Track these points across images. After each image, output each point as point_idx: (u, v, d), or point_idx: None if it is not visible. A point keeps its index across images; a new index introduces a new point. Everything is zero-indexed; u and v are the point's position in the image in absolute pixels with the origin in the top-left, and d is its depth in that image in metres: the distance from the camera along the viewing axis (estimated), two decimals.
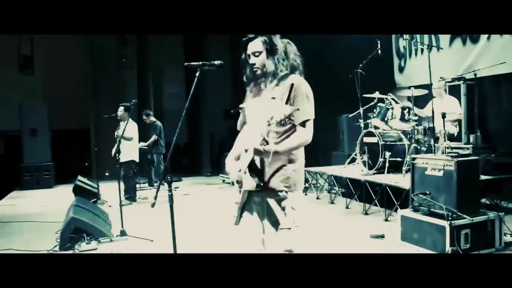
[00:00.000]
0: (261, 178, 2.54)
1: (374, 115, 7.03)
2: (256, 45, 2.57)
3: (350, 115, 7.89)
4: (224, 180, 10.50)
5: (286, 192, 2.55)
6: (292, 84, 2.45)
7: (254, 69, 2.59)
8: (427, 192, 4.53)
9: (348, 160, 7.72)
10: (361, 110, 7.58)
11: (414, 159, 4.87)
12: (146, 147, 9.47)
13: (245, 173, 2.57)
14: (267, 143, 2.36)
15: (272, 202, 2.56)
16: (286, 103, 2.39)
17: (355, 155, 7.46)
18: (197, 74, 2.73)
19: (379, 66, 8.03)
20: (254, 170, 2.55)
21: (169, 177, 2.65)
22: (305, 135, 2.49)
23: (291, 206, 2.56)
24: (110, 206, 7.47)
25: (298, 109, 2.33)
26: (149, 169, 10.16)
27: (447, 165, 4.36)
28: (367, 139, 6.92)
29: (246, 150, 2.55)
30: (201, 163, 12.24)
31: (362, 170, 6.92)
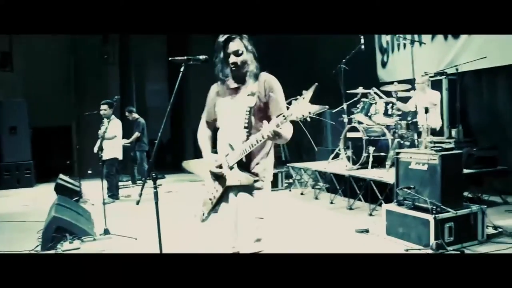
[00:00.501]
0: (248, 171, 2.57)
1: (358, 110, 7.03)
2: (238, 44, 2.59)
3: (334, 111, 7.89)
4: (196, 174, 10.38)
5: (263, 181, 2.61)
6: (265, 81, 2.55)
7: (235, 68, 2.60)
8: (412, 186, 4.55)
9: (332, 155, 7.73)
10: (344, 105, 7.58)
11: (398, 153, 4.88)
12: (129, 144, 9.36)
13: (231, 168, 2.56)
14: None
15: (250, 192, 2.59)
16: (265, 97, 2.48)
17: (339, 150, 7.47)
18: (181, 69, 2.70)
19: (362, 62, 8.03)
20: (241, 164, 2.57)
21: (154, 174, 2.63)
22: (291, 130, 2.47)
23: (266, 195, 2.62)
24: (92, 205, 7.35)
25: (326, 107, 2.33)
26: (132, 167, 10.06)
27: (431, 159, 4.38)
28: (351, 134, 6.93)
29: (231, 147, 2.56)
30: (185, 160, 12.14)
31: (346, 165, 6.93)
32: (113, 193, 7.86)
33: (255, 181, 2.56)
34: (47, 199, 6.68)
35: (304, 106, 2.15)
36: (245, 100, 2.56)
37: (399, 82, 6.76)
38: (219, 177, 2.66)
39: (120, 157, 7.94)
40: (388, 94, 6.96)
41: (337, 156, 7.70)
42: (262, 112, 2.56)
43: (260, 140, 2.41)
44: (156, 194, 2.67)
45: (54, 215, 4.89)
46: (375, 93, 7.02)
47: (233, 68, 2.60)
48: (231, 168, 2.58)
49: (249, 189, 2.58)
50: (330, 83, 8.01)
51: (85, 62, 12.05)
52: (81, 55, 12.03)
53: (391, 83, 6.88)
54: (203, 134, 2.89)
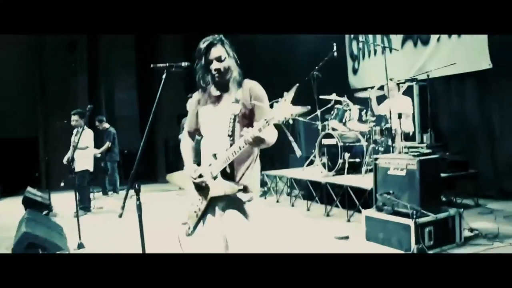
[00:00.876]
0: (233, 181, 2.48)
1: (332, 117, 7.06)
2: (220, 50, 2.51)
3: (308, 118, 7.91)
4: (181, 187, 10.22)
5: (251, 192, 2.52)
6: (250, 88, 2.47)
7: (218, 75, 2.52)
8: (391, 191, 4.57)
9: (307, 162, 7.73)
10: (318, 112, 7.60)
11: (376, 159, 4.90)
12: (100, 155, 9.13)
13: (215, 178, 2.49)
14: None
15: (238, 205, 2.50)
16: (250, 103, 2.40)
17: (314, 157, 7.48)
18: (163, 77, 2.62)
19: (335, 68, 8.11)
20: (225, 174, 2.48)
21: (137, 185, 2.52)
22: (276, 134, 2.40)
23: (255, 206, 2.54)
24: (63, 218, 7.10)
25: (309, 108, 2.24)
26: (103, 178, 9.82)
27: (409, 164, 4.41)
28: (325, 141, 6.94)
29: (215, 156, 2.49)
30: (157, 170, 11.95)
31: (322, 172, 6.94)
32: (85, 205, 7.62)
33: (240, 190, 2.47)
34: (15, 213, 6.41)
35: (286, 108, 2.08)
36: (229, 107, 2.48)
37: (372, 88, 6.81)
38: (202, 188, 2.57)
39: (91, 168, 7.73)
40: (363, 100, 7.02)
41: (311, 163, 7.71)
42: (247, 119, 2.49)
43: (243, 147, 2.32)
44: (139, 206, 2.56)
45: (25, 231, 4.66)
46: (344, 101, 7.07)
47: (216, 75, 2.51)
48: (214, 178, 2.50)
49: (236, 201, 2.50)
50: (304, 89, 8.04)
51: (51, 71, 11.70)
52: (47, 63, 11.69)
53: (365, 89, 6.94)
54: (185, 145, 2.81)
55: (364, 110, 6.71)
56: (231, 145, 2.42)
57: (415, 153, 4.62)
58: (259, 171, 2.63)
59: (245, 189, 2.49)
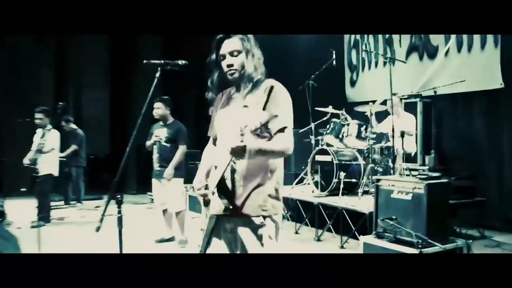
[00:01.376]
0: (232, 200, 2.38)
1: (327, 131, 7.05)
2: (235, 43, 2.44)
3: (300, 131, 7.87)
4: (153, 199, 10.07)
5: (264, 217, 2.40)
6: (271, 87, 2.31)
7: (231, 71, 2.44)
8: (393, 217, 4.53)
9: (296, 180, 7.68)
10: (312, 125, 7.59)
11: (378, 180, 4.87)
12: (64, 159, 8.91)
13: (213, 193, 2.43)
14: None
15: (246, 230, 2.40)
16: (263, 109, 2.24)
17: (305, 174, 7.43)
18: (157, 75, 2.56)
19: (332, 79, 8.13)
20: (223, 190, 2.40)
21: (119, 196, 2.49)
22: (285, 142, 2.35)
23: (269, 234, 2.42)
24: (18, 228, 6.87)
25: (276, 116, 2.13)
26: (66, 185, 9.58)
27: (416, 188, 4.39)
28: (319, 157, 6.91)
29: (215, 167, 2.43)
30: (126, 179, 11.74)
31: (314, 191, 6.89)
32: (44, 215, 7.39)
33: (227, 211, 2.36)
34: None
35: (257, 115, 2.03)
36: (239, 112, 2.38)
37: (371, 102, 6.82)
38: (206, 203, 2.51)
39: (56, 173, 7.53)
40: (361, 115, 7.03)
41: (302, 180, 7.67)
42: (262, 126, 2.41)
43: (228, 160, 2.25)
44: (120, 220, 2.54)
45: None
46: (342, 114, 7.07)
47: (228, 72, 2.44)
48: (213, 193, 2.44)
49: (245, 224, 2.39)
50: (297, 99, 8.01)
51: (13, 64, 11.44)
52: (8, 56, 11.43)
53: (365, 103, 6.95)
54: (205, 151, 2.76)
55: (364, 126, 6.71)
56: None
57: (423, 176, 4.60)
58: (280, 187, 2.51)
59: (248, 214, 2.38)
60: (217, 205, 2.39)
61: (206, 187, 2.50)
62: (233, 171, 2.40)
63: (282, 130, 2.35)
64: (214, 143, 2.70)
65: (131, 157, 12.02)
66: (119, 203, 2.48)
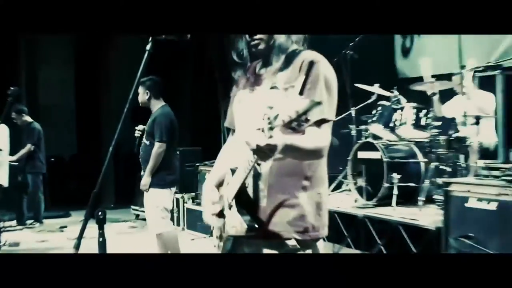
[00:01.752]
0: (256, 216, 2.41)
1: (374, 118, 7.03)
2: None
3: (336, 118, 7.81)
4: (137, 216, 10.14)
5: (299, 241, 2.43)
6: (310, 63, 2.33)
7: (255, 42, 2.49)
8: (471, 234, 4.51)
9: (333, 185, 7.67)
10: (352, 110, 7.58)
11: (448, 184, 4.84)
12: (16, 163, 8.97)
13: (230, 207, 2.45)
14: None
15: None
16: (300, 93, 2.21)
17: (345, 177, 7.39)
18: (148, 47, 2.64)
19: (378, 47, 8.07)
20: (245, 203, 2.42)
21: (100, 214, 2.57)
22: (321, 139, 2.39)
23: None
24: None
25: (318, 103, 2.05)
26: (20, 199, 9.63)
27: (502, 194, 4.35)
28: (363, 154, 6.90)
29: (233, 171, 2.45)
30: (101, 189, 11.82)
31: (356, 201, 6.89)
32: None
33: (251, 232, 2.37)
34: None
35: (292, 102, 1.99)
36: (265, 96, 2.39)
37: (436, 78, 6.75)
38: (220, 218, 2.55)
39: (5, 183, 7.60)
40: (421, 96, 6.97)
41: (339, 186, 7.64)
42: None
43: (251, 162, 2.23)
44: (102, 244, 2.57)
45: None
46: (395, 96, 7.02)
47: (252, 43, 2.49)
48: (229, 206, 2.45)
49: (274, 247, 2.43)
50: None
51: None
52: None
53: (420, 79, 6.87)
54: (223, 150, 2.84)
55: (424, 111, 6.66)
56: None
57: (511, 178, 4.54)
58: (322, 201, 2.55)
59: (277, 235, 2.40)
60: (237, 223, 2.39)
61: (220, 199, 2.53)
62: (255, 176, 2.42)
63: (319, 123, 2.35)
64: (233, 134, 2.77)
65: (103, 160, 12.10)
66: (101, 223, 2.53)
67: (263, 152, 2.07)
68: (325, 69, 2.40)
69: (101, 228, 2.51)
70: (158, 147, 5.69)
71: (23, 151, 9.12)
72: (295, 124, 1.99)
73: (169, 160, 5.82)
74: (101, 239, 2.52)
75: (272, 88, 2.39)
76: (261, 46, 2.47)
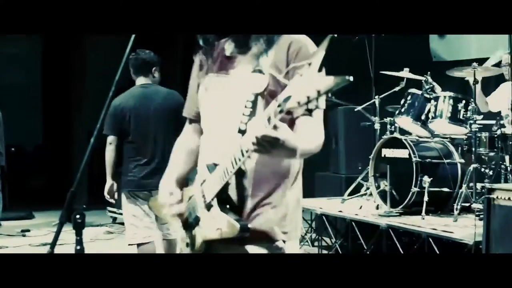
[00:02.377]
0: (238, 215, 2.50)
1: (402, 109, 7.05)
2: None
3: (356, 109, 7.84)
4: (114, 219, 10.16)
5: (284, 241, 2.55)
6: (292, 43, 2.46)
7: None
8: None
9: (350, 188, 7.69)
10: (376, 99, 7.60)
11: (490, 190, 4.84)
12: None
13: (209, 208, 2.52)
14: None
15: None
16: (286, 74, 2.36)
17: (364, 179, 7.40)
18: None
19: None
20: (228, 201, 2.51)
21: (78, 217, 2.60)
22: (319, 133, 2.51)
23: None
24: None
25: (349, 80, 2.10)
26: None
27: None
28: (388, 152, 6.92)
29: (212, 168, 2.53)
30: (70, 186, 11.85)
31: (379, 207, 6.91)
32: None
33: (245, 232, 2.43)
34: None
35: (311, 80, 2.03)
36: (247, 80, 2.47)
37: (478, 62, 6.74)
38: (190, 225, 2.65)
39: None
40: (459, 84, 6.97)
41: (358, 189, 7.65)
42: None
43: (239, 158, 2.30)
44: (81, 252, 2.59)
45: None
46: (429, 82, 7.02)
47: None
48: (208, 207, 2.52)
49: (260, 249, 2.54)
50: (351, 58, 7.98)
51: None
52: None
53: (464, 63, 6.87)
54: (177, 142, 2.94)
55: (463, 102, 6.66)
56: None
57: None
58: (300, 199, 2.68)
59: (264, 235, 2.51)
60: (222, 224, 2.45)
61: (181, 200, 2.67)
62: (238, 174, 2.47)
63: (310, 112, 2.35)
64: (193, 127, 2.88)
65: (76, 152, 12.12)
66: (79, 228, 2.54)
67: (262, 145, 2.13)
68: (313, 49, 2.47)
69: (78, 234, 2.53)
70: (109, 142, 5.66)
71: None
72: (312, 106, 2.04)
73: (122, 157, 5.75)
74: (78, 247, 2.54)
75: (254, 71, 2.46)
76: None
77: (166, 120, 5.58)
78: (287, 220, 2.56)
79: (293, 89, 2.05)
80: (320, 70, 2.12)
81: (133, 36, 2.66)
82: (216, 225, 2.47)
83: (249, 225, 2.44)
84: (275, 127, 2.10)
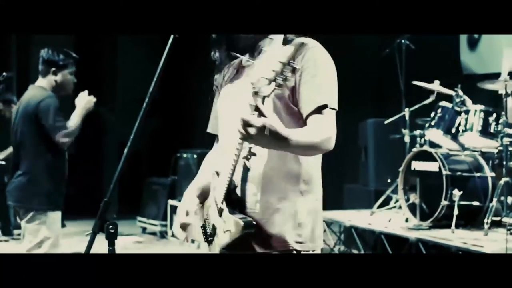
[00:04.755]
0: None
1: (432, 122, 7.02)
2: None
3: (386, 121, 7.82)
4: (144, 229, 10.19)
5: (299, 251, 2.53)
6: (301, 45, 2.38)
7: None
8: None
9: (379, 201, 7.67)
10: (406, 111, 7.57)
11: None
12: (3, 162, 9.08)
13: (221, 212, 2.52)
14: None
15: None
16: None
17: (393, 192, 7.37)
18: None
19: (440, 37, 8.02)
20: (236, 202, 2.53)
21: (111, 227, 2.57)
22: (326, 129, 2.44)
23: None
24: None
25: (303, 44, 2.27)
26: (5, 204, 9.67)
27: None
28: (418, 165, 6.88)
29: (217, 174, 2.58)
30: (101, 195, 11.91)
31: (408, 221, 6.88)
32: None
33: (250, 228, 2.45)
34: None
35: (273, 54, 2.13)
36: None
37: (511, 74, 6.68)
38: (208, 235, 2.67)
39: None
40: (488, 96, 6.92)
41: (387, 202, 7.62)
42: (290, 101, 2.51)
43: (238, 151, 2.36)
44: None
45: None
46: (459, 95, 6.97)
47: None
48: (220, 212, 2.53)
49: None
50: (377, 71, 7.94)
51: None
52: None
53: (496, 76, 6.80)
54: (206, 158, 2.96)
55: (494, 115, 6.62)
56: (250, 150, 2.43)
57: None
58: (318, 209, 2.62)
59: (274, 240, 2.49)
60: (230, 225, 2.46)
61: (199, 211, 2.71)
62: (246, 178, 2.51)
63: (320, 109, 2.44)
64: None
65: (109, 162, 12.17)
66: (111, 237, 2.54)
67: (248, 133, 2.16)
68: (321, 53, 2.53)
69: (111, 244, 2.52)
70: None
71: (11, 149, 9.19)
72: (282, 79, 2.11)
73: None
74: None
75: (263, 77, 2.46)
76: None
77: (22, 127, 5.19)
78: (302, 229, 2.53)
79: (260, 67, 2.15)
80: (284, 43, 2.15)
81: (169, 44, 2.63)
82: (226, 227, 2.48)
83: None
84: (260, 114, 2.13)
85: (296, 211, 2.52)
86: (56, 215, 5.09)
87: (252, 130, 2.15)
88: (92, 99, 5.12)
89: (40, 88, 5.19)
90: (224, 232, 2.49)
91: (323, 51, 2.53)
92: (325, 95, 2.44)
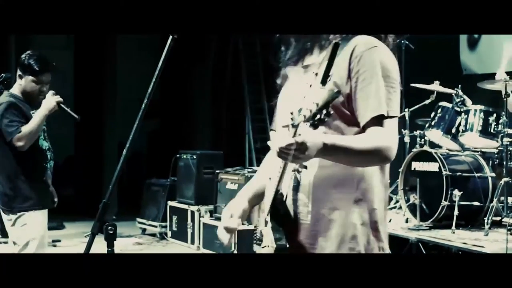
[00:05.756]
0: (296, 236, 2.43)
1: (432, 123, 7.04)
2: None
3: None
4: (144, 230, 10.17)
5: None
6: (356, 47, 2.35)
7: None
8: None
9: None
10: (406, 112, 7.59)
11: None
12: None
13: (266, 223, 2.47)
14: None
15: None
16: (346, 83, 2.33)
17: (393, 192, 7.38)
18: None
19: (438, 37, 8.01)
20: (283, 218, 2.44)
21: (110, 228, 2.62)
22: (383, 137, 2.33)
23: None
24: None
25: (338, 92, 2.10)
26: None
27: None
28: (418, 165, 6.89)
29: (270, 179, 2.48)
30: (100, 197, 11.88)
31: (408, 221, 6.88)
32: None
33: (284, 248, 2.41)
34: None
35: (313, 93, 2.04)
36: (306, 88, 2.36)
37: (511, 74, 6.68)
38: (258, 239, 2.59)
39: None
40: (488, 96, 6.91)
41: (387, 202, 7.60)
42: (345, 108, 2.38)
43: (280, 168, 2.29)
44: None
45: None
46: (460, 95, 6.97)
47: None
48: (266, 223, 2.47)
49: None
50: None
51: None
52: None
53: (490, 76, 6.81)
54: (266, 157, 2.86)
55: (494, 115, 6.62)
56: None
57: None
58: (380, 221, 2.49)
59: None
60: (268, 242, 2.43)
61: (243, 215, 2.61)
62: (296, 188, 2.42)
63: (375, 121, 2.32)
64: None
65: (107, 161, 12.16)
66: (110, 238, 2.57)
67: (288, 154, 2.07)
68: (379, 53, 2.39)
69: (110, 245, 2.55)
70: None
71: None
72: (318, 119, 2.00)
73: None
74: None
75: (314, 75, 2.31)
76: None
77: None
78: (358, 243, 2.40)
79: (304, 103, 2.03)
80: (323, 82, 2.08)
81: (168, 45, 2.66)
82: (265, 242, 2.45)
83: (301, 247, 2.40)
84: (295, 135, 2.04)
85: (349, 222, 2.40)
86: (39, 214, 4.92)
87: (289, 158, 2.08)
88: (55, 99, 4.95)
89: (7, 92, 5.17)
90: (262, 247, 2.47)
91: (381, 52, 2.40)
92: (382, 103, 2.32)
